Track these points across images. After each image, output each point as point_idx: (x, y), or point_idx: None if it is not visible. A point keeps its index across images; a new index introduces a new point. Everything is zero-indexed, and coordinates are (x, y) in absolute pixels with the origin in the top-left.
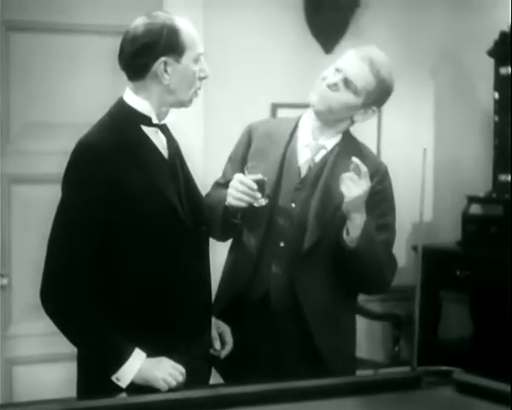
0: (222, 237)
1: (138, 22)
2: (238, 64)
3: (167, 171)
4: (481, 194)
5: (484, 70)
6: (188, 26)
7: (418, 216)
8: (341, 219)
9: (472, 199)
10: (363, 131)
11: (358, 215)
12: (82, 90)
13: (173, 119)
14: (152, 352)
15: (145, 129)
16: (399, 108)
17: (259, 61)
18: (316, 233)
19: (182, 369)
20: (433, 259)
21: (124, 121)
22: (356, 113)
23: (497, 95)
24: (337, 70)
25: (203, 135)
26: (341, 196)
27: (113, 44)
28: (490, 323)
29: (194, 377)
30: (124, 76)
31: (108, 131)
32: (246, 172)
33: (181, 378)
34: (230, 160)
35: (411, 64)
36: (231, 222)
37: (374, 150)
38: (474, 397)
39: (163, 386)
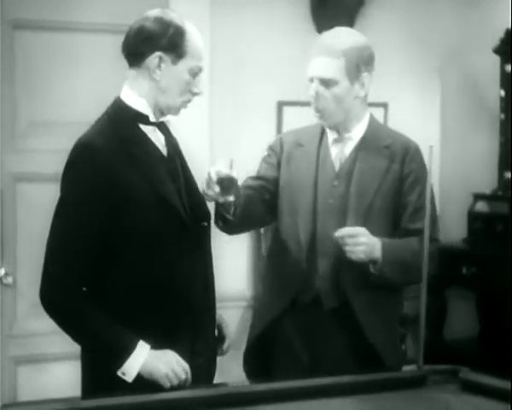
0: (226, 231)
1: (150, 14)
2: (244, 62)
3: (166, 169)
4: (487, 191)
5: (490, 68)
6: (196, 37)
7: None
8: (380, 210)
9: (478, 197)
10: None
11: (373, 256)
12: (87, 89)
13: (170, 117)
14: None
15: (143, 127)
16: (406, 105)
17: (265, 59)
18: (357, 224)
19: (186, 366)
20: (440, 256)
21: (121, 120)
22: (354, 92)
23: (502, 92)
24: (311, 80)
25: (208, 133)
26: (376, 184)
27: (118, 43)
28: (496, 321)
29: (199, 374)
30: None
31: (106, 131)
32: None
33: (183, 376)
34: (265, 161)
35: (417, 62)
36: (226, 217)
37: None
38: (480, 396)
39: (165, 383)
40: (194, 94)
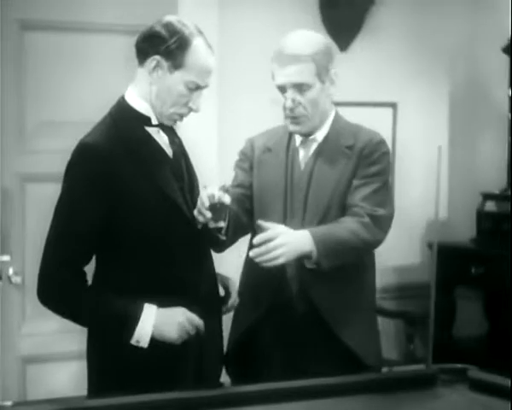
0: (217, 250)
1: (166, 18)
2: (253, 62)
3: (170, 168)
4: (496, 191)
5: (499, 68)
6: (202, 53)
7: (433, 214)
8: (339, 210)
9: (487, 196)
10: (378, 130)
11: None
12: (95, 89)
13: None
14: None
15: (147, 128)
16: (414, 106)
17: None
18: (313, 225)
19: (196, 318)
20: (448, 256)
21: (124, 121)
22: (326, 91)
23: (511, 92)
24: (282, 90)
25: (217, 134)
26: (333, 185)
27: (128, 43)
28: (504, 320)
29: (205, 375)
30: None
31: (108, 131)
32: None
33: (194, 331)
34: (239, 167)
35: (426, 62)
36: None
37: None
38: (489, 395)
39: (179, 338)
40: (191, 110)
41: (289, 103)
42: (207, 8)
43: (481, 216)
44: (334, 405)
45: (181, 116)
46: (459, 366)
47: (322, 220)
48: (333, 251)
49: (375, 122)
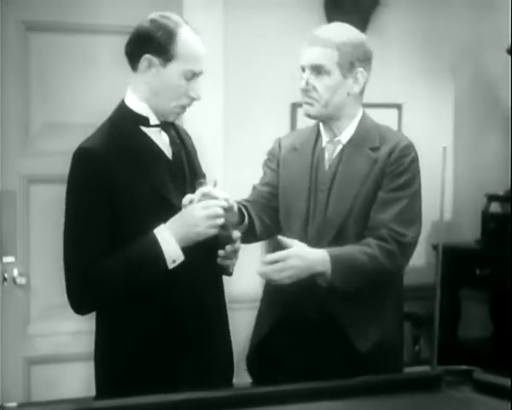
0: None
1: (148, 17)
2: (258, 63)
3: (168, 170)
4: (501, 192)
5: (504, 69)
6: (190, 40)
7: (438, 215)
8: (360, 215)
9: (491, 197)
10: None
11: (317, 270)
12: (100, 91)
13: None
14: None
15: (146, 130)
16: (419, 106)
17: (278, 61)
18: (333, 229)
19: (211, 203)
20: (453, 258)
21: (122, 123)
22: (346, 88)
23: (511, 93)
24: (302, 68)
25: (222, 135)
26: (356, 189)
27: None
28: (510, 321)
29: (215, 377)
30: None
31: (106, 134)
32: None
33: (220, 210)
34: (267, 166)
35: (431, 63)
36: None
37: None
38: (494, 397)
39: (207, 233)
40: (192, 98)
41: (303, 84)
42: (212, 10)
43: (486, 217)
44: (339, 407)
45: (183, 108)
46: (464, 367)
47: (343, 223)
48: (349, 275)
49: (380, 123)
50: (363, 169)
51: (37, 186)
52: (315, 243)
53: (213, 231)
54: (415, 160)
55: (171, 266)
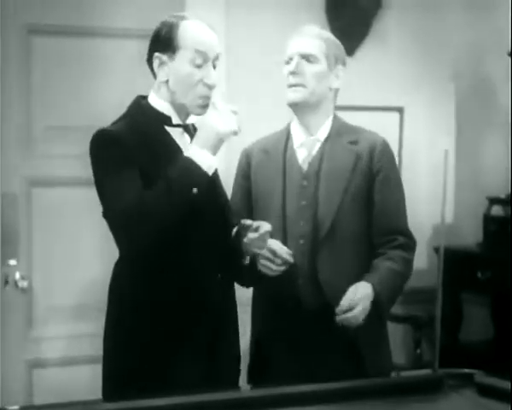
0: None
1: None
2: (259, 67)
3: None
4: (502, 195)
5: (506, 72)
6: (193, 28)
7: (440, 218)
8: (352, 208)
9: (493, 201)
10: (385, 134)
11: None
12: (102, 94)
13: (195, 120)
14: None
15: (169, 129)
16: (421, 110)
17: (281, 63)
18: (328, 221)
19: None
20: (455, 261)
21: (143, 119)
22: (329, 80)
23: (511, 96)
24: (290, 59)
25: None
26: (345, 182)
27: (135, 48)
28: (511, 325)
29: (220, 377)
30: (144, 80)
31: (126, 124)
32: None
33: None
34: (235, 185)
35: (433, 66)
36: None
37: (395, 153)
38: (496, 400)
39: (232, 132)
40: (208, 86)
41: (293, 66)
42: (215, 10)
43: (488, 220)
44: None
45: (203, 98)
46: (466, 370)
47: (336, 217)
48: (392, 299)
49: (382, 126)
50: (348, 163)
51: (38, 189)
52: (309, 239)
53: (235, 128)
54: (394, 156)
55: (209, 171)
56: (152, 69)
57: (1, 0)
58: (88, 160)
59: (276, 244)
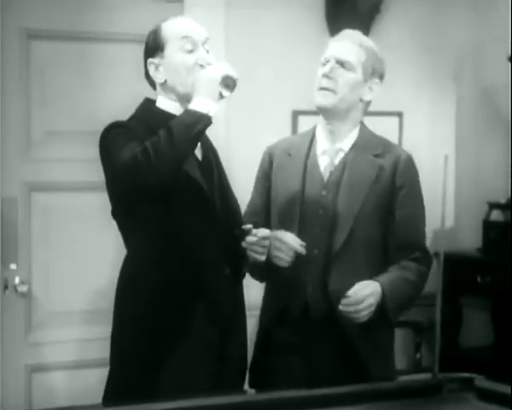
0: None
1: None
2: (258, 70)
3: (198, 166)
4: (502, 200)
5: (506, 77)
6: (173, 22)
7: (439, 222)
8: (369, 219)
9: (493, 205)
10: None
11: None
12: (102, 99)
13: None
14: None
15: None
16: (421, 114)
17: (280, 68)
18: (344, 233)
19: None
20: (455, 265)
21: (150, 118)
22: (362, 91)
23: (511, 100)
24: (326, 61)
25: (224, 142)
26: (365, 193)
27: (134, 52)
28: (511, 329)
29: (227, 378)
30: (144, 84)
31: (137, 121)
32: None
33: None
34: (256, 190)
35: (433, 70)
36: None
37: None
38: (496, 404)
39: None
40: (203, 67)
41: (327, 69)
42: (213, 12)
43: (487, 225)
44: None
45: None
46: (466, 374)
47: (354, 227)
48: (400, 307)
49: (381, 131)
50: (371, 174)
51: (38, 194)
52: (323, 248)
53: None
54: (418, 172)
55: (212, 113)
56: (151, 83)
57: (1, 4)
58: (88, 164)
59: (288, 236)
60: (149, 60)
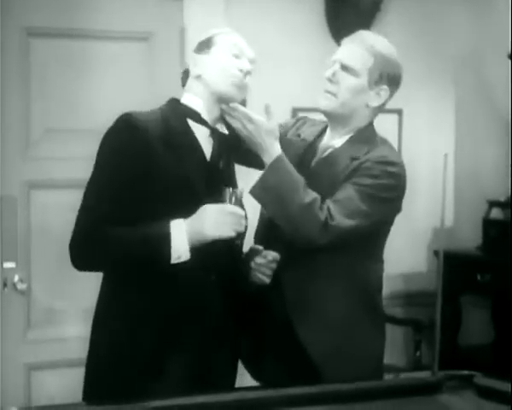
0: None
1: None
2: (258, 68)
3: (204, 168)
4: (502, 198)
5: (506, 75)
6: (227, 30)
7: (439, 221)
8: None
9: (493, 204)
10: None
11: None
12: (102, 97)
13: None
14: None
15: (193, 127)
16: (420, 112)
17: (280, 65)
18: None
19: (230, 209)
20: (454, 264)
21: (171, 112)
22: (367, 97)
23: (511, 99)
24: (333, 62)
25: None
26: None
27: (134, 50)
28: (511, 327)
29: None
30: (143, 82)
31: (153, 115)
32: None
33: (243, 224)
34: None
35: (432, 69)
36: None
37: None
38: (495, 402)
39: (228, 234)
40: (245, 73)
41: (329, 73)
42: (213, 10)
43: (487, 224)
44: None
45: (237, 78)
46: (465, 372)
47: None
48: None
49: (381, 129)
50: (338, 176)
51: (37, 192)
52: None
53: (230, 235)
54: (393, 175)
55: (174, 261)
56: (183, 79)
57: (1, 2)
58: (87, 162)
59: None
60: (193, 54)
